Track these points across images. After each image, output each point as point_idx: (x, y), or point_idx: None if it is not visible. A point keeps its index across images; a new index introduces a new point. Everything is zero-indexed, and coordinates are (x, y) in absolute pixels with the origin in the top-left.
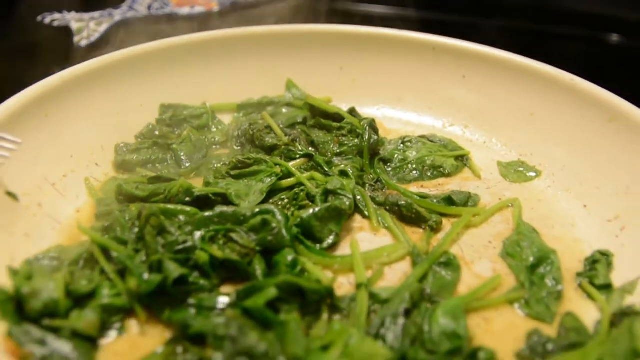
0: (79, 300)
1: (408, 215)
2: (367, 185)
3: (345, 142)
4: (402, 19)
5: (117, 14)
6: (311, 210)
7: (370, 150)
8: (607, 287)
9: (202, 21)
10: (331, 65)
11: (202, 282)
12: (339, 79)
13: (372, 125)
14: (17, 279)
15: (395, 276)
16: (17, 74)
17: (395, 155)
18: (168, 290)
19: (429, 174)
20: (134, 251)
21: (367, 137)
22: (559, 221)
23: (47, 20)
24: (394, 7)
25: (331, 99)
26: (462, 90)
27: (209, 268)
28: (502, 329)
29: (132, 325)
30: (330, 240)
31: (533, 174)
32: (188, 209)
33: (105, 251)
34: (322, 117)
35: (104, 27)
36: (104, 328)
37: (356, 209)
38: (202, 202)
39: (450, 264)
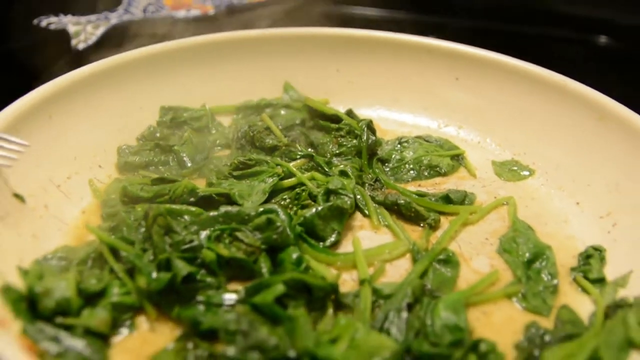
0: (90, 298)
1: (407, 213)
2: (367, 184)
3: (344, 143)
4: (397, 21)
5: (113, 17)
6: (314, 210)
7: (368, 150)
8: (600, 281)
9: (198, 24)
10: (328, 68)
11: (209, 279)
12: (335, 81)
13: (370, 126)
14: (28, 278)
15: (397, 272)
16: (14, 78)
17: (393, 155)
18: (177, 287)
19: (425, 174)
20: (142, 250)
21: (365, 138)
22: (552, 218)
23: (44, 23)
24: (389, 10)
25: (328, 101)
26: (456, 92)
27: (215, 266)
28: (501, 322)
29: (142, 322)
30: (332, 238)
31: (526, 173)
32: (193, 209)
33: (114, 251)
34: (320, 119)
35: (100, 30)
36: (115, 325)
37: (357, 208)
38: (206, 202)
39: (450, 260)
